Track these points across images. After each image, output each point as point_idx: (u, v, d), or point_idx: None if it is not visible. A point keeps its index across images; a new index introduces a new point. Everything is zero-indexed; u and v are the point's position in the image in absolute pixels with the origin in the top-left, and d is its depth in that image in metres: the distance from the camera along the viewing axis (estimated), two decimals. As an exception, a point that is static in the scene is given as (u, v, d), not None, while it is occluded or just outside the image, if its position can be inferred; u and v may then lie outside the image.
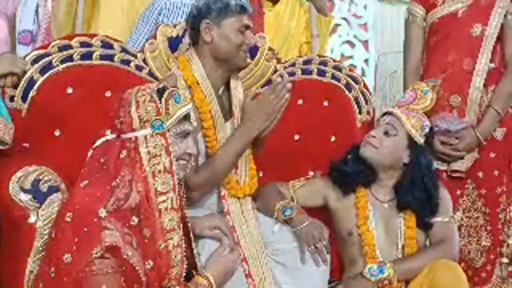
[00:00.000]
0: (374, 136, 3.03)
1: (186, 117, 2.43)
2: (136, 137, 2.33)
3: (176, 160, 2.38)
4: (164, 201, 2.33)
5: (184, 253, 2.42)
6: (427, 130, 3.03)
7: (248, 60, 2.98)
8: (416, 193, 2.99)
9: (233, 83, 2.96)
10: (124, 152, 2.33)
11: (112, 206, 2.26)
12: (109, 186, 2.29)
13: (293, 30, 4.13)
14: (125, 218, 2.28)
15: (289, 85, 2.77)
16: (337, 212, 3.10)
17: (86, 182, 2.33)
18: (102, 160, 2.36)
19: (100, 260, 2.20)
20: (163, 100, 2.36)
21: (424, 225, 3.02)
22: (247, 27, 2.87)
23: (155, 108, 2.35)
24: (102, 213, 2.24)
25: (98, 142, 2.44)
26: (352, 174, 3.05)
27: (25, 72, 2.79)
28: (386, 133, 3.02)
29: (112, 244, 2.21)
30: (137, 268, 2.25)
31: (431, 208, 3.02)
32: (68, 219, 2.25)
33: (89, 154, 2.43)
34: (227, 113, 2.92)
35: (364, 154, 3.03)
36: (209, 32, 2.83)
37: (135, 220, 2.29)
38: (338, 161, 3.12)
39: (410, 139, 3.01)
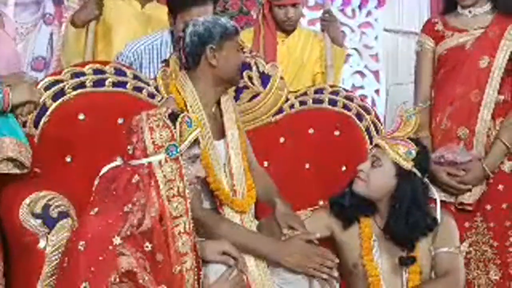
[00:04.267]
0: (362, 170, 2.99)
1: (195, 141, 2.46)
2: (150, 163, 2.36)
3: (189, 184, 2.41)
4: (177, 225, 2.35)
5: (196, 277, 2.43)
6: (413, 154, 2.94)
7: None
8: (398, 224, 2.94)
9: (223, 98, 3.03)
10: (137, 177, 2.34)
11: (126, 232, 2.28)
12: (121, 211, 2.31)
13: (305, 60, 4.14)
14: (139, 243, 2.30)
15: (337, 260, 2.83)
16: (342, 244, 3.07)
17: (96, 209, 2.34)
18: (112, 186, 2.37)
19: (118, 285, 2.22)
20: (177, 125, 2.40)
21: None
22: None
23: (170, 134, 2.38)
24: (117, 240, 2.26)
25: (104, 170, 2.46)
26: (349, 208, 3.02)
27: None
28: (372, 165, 2.99)
29: (129, 269, 2.24)
30: None
31: (411, 241, 2.97)
32: (81, 248, 2.26)
33: (96, 182, 2.45)
34: (220, 131, 2.97)
35: (355, 190, 3.00)
36: (215, 57, 2.90)
37: (148, 246, 2.31)
38: (337, 195, 3.08)
39: (398, 167, 2.95)
